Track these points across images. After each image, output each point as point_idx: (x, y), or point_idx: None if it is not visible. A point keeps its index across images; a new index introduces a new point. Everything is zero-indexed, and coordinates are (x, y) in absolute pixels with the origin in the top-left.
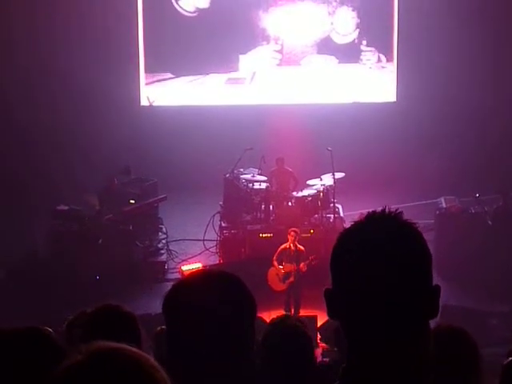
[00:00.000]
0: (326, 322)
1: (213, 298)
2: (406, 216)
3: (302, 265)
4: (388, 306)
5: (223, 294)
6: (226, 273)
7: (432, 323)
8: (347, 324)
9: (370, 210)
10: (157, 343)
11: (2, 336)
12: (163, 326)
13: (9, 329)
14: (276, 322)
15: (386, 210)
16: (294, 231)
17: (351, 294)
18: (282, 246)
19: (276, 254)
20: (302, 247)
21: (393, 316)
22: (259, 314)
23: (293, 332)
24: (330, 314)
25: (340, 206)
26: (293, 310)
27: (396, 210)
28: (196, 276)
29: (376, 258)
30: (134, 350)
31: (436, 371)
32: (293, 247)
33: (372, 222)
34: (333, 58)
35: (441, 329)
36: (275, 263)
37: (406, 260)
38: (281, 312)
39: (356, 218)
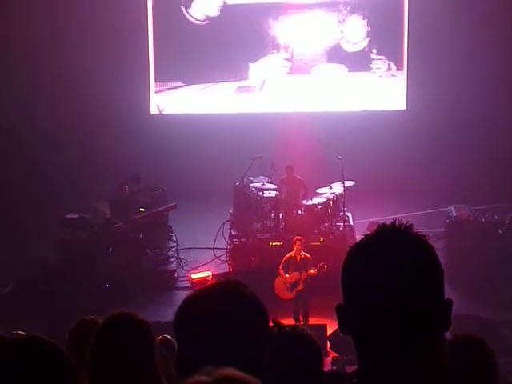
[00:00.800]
0: (336, 330)
1: (223, 312)
2: (416, 224)
3: (312, 270)
4: (400, 321)
5: (234, 307)
6: (237, 285)
7: (448, 333)
8: (359, 339)
9: (380, 223)
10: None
11: (4, 345)
12: (165, 335)
13: (11, 338)
14: (285, 331)
15: (396, 223)
16: (299, 240)
17: (362, 308)
18: (288, 255)
19: (282, 263)
20: (308, 255)
21: (405, 330)
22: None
23: (301, 340)
24: (341, 329)
25: (350, 215)
26: (302, 319)
27: (406, 223)
28: (206, 289)
29: (387, 272)
30: (256, 380)
31: (453, 380)
32: (299, 256)
33: (382, 235)
34: (343, 66)
35: (458, 338)
36: (281, 272)
37: (418, 274)
38: (290, 321)
39: (366, 226)
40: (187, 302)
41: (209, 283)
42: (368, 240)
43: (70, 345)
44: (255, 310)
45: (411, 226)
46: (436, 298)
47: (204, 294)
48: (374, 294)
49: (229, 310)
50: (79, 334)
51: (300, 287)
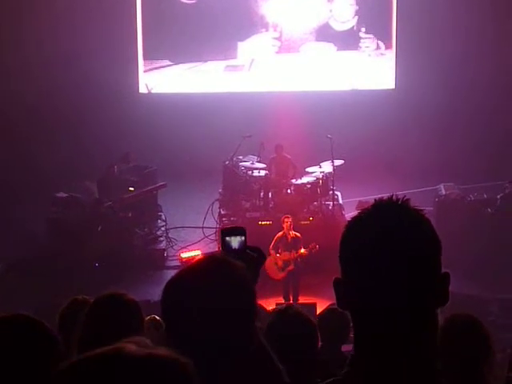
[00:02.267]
0: (325, 309)
1: (210, 291)
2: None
3: (303, 250)
4: (398, 294)
5: (221, 285)
6: (223, 261)
7: (446, 313)
8: (356, 313)
9: (377, 198)
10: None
11: None
12: (153, 316)
13: None
14: (279, 311)
15: (394, 198)
16: (288, 218)
17: (360, 282)
18: (278, 234)
19: (272, 243)
20: (298, 234)
21: (403, 303)
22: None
23: (297, 320)
24: (339, 303)
25: (339, 194)
26: (291, 298)
27: (404, 197)
28: (192, 268)
29: (385, 246)
30: (188, 362)
31: (450, 359)
32: (289, 235)
33: (380, 209)
34: (331, 45)
35: (455, 318)
36: (272, 252)
37: (416, 247)
38: (280, 300)
39: (355, 205)
40: (173, 281)
41: (194, 260)
42: (365, 214)
43: (62, 324)
44: (242, 287)
45: (408, 200)
46: (434, 272)
47: (190, 273)
48: (371, 267)
49: (216, 288)
50: (71, 313)
51: (291, 267)
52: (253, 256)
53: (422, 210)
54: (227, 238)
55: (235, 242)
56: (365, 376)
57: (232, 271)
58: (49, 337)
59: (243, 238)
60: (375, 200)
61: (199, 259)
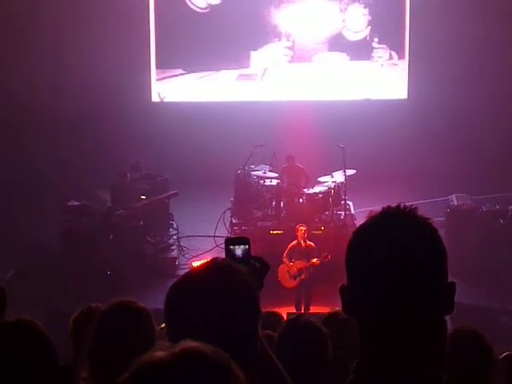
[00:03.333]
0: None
1: (213, 298)
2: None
3: (315, 260)
4: (404, 303)
5: (224, 292)
6: (227, 269)
7: (450, 323)
8: (362, 320)
9: (385, 206)
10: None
11: None
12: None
13: None
14: (291, 319)
15: (401, 206)
16: (303, 227)
17: (366, 290)
18: (292, 243)
19: (286, 251)
20: (311, 243)
21: (408, 312)
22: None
23: (309, 328)
24: (344, 310)
25: (351, 203)
26: (303, 307)
27: (411, 206)
28: (194, 275)
29: (391, 254)
30: (223, 353)
31: (453, 372)
32: (303, 244)
33: (387, 217)
34: (344, 54)
35: (458, 331)
36: (285, 260)
37: (422, 256)
38: (291, 309)
39: (367, 215)
40: (176, 286)
41: (197, 267)
42: (373, 222)
43: (74, 330)
44: (246, 292)
45: (416, 208)
46: (440, 280)
47: (193, 278)
48: (378, 275)
49: (219, 293)
50: (84, 320)
51: (303, 276)
52: (256, 266)
53: (429, 218)
54: (231, 247)
55: (239, 250)
56: (370, 383)
57: (235, 276)
58: (45, 343)
59: (247, 246)
60: (383, 208)
61: (202, 264)
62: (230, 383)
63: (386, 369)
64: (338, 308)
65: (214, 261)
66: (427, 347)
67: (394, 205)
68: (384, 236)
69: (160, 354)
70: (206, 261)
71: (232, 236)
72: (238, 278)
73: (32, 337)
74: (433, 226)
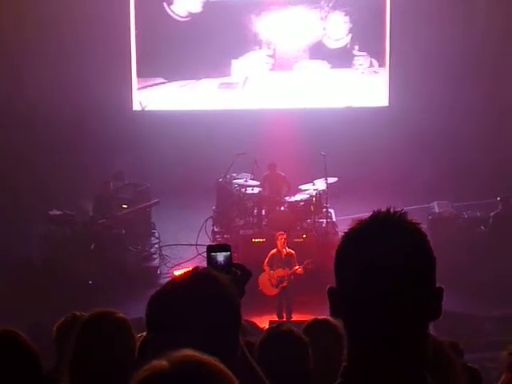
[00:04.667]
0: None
1: (194, 307)
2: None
3: (298, 268)
4: (392, 306)
5: (204, 301)
6: (208, 277)
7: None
8: (350, 323)
9: (375, 210)
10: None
11: None
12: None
13: None
14: (272, 328)
15: (391, 211)
16: (282, 235)
17: (355, 293)
18: (272, 251)
19: (266, 260)
20: (292, 251)
21: (396, 316)
22: (251, 319)
23: (290, 337)
24: (332, 312)
25: (332, 211)
26: (285, 315)
27: (401, 211)
28: (175, 285)
29: (380, 258)
30: (218, 363)
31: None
32: (283, 252)
33: (377, 222)
34: (325, 62)
35: None
36: (266, 268)
37: (411, 261)
38: (273, 317)
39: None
40: (157, 295)
41: (178, 276)
42: (362, 226)
43: (58, 338)
44: (227, 300)
45: (405, 213)
46: (428, 285)
47: (174, 287)
48: (366, 279)
49: (199, 301)
50: (68, 328)
51: (284, 284)
52: (237, 273)
53: (418, 223)
54: (212, 254)
55: (220, 257)
56: None
57: (216, 284)
58: (30, 353)
59: (228, 253)
60: (373, 212)
61: (183, 273)
62: None
63: (374, 371)
64: (320, 316)
65: (195, 270)
66: (414, 349)
67: (383, 209)
68: (374, 240)
69: (161, 363)
70: (187, 270)
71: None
72: (219, 286)
73: (16, 347)
74: (422, 231)
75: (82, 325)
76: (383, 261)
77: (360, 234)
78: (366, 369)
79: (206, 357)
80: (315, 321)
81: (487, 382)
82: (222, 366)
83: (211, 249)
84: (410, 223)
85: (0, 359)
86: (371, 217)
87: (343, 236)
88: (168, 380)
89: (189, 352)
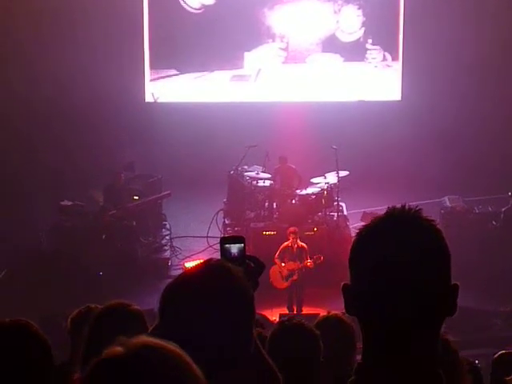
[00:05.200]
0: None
1: (207, 297)
2: None
3: (309, 262)
4: (407, 303)
5: (218, 292)
6: (222, 268)
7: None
8: (365, 320)
9: (390, 206)
10: None
11: None
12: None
13: None
14: (283, 321)
15: (406, 207)
16: (293, 232)
17: (370, 290)
18: (284, 244)
19: (278, 252)
20: (304, 244)
21: (412, 313)
22: (262, 312)
23: (300, 330)
24: (347, 309)
25: (344, 205)
26: (295, 308)
27: (416, 207)
28: (189, 275)
29: (397, 256)
30: (174, 347)
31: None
32: (295, 245)
33: (392, 218)
34: (338, 56)
35: None
36: (277, 261)
37: (427, 258)
38: (283, 310)
39: (360, 216)
40: (171, 286)
41: (191, 268)
42: (377, 222)
43: (72, 329)
44: (240, 292)
45: (421, 210)
46: (444, 282)
47: (188, 279)
48: (381, 275)
49: (213, 293)
50: (82, 320)
51: (295, 277)
52: (251, 265)
53: (433, 220)
54: (226, 246)
55: (234, 248)
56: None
57: (229, 277)
58: (42, 343)
59: (242, 245)
60: (388, 208)
61: (197, 265)
62: (183, 375)
63: (389, 369)
64: (331, 309)
65: (209, 262)
66: (429, 347)
67: (398, 205)
68: (389, 237)
69: (116, 348)
70: (200, 262)
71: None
72: (233, 278)
73: (29, 338)
74: (438, 228)
75: (97, 316)
76: (399, 258)
77: (375, 230)
78: (382, 366)
79: (163, 342)
80: (327, 317)
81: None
82: (181, 352)
83: (225, 240)
84: (425, 220)
85: (13, 349)
86: (386, 213)
87: (358, 233)
88: (121, 365)
89: (146, 338)
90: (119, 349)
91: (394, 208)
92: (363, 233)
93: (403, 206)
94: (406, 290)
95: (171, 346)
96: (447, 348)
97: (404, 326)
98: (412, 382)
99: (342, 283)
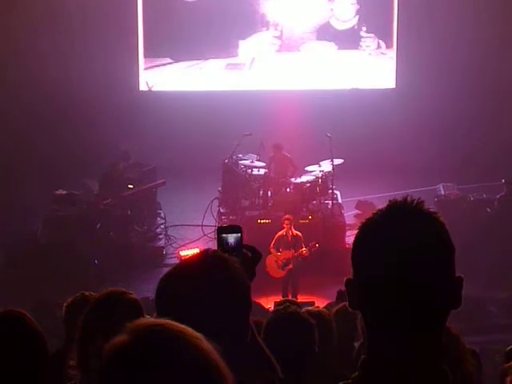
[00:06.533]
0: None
1: (203, 287)
2: None
3: (303, 250)
4: (411, 296)
5: (214, 281)
6: (216, 258)
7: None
8: (369, 314)
9: (391, 198)
10: None
11: None
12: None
13: None
14: (279, 310)
15: (408, 200)
16: (288, 219)
17: (374, 284)
18: (279, 233)
19: (273, 241)
20: (299, 233)
21: (416, 306)
22: (257, 301)
23: (296, 319)
24: (350, 304)
25: (338, 193)
26: (290, 297)
27: (418, 199)
28: (185, 265)
29: (399, 249)
30: (177, 324)
31: None
32: (290, 234)
33: (394, 212)
34: (332, 44)
35: None
36: (273, 250)
37: (430, 250)
38: (279, 298)
39: (354, 204)
40: (168, 275)
41: (188, 257)
42: (380, 216)
43: (67, 317)
44: (236, 281)
45: (422, 202)
46: (447, 275)
47: (184, 267)
48: (385, 270)
49: (210, 281)
50: (77, 308)
51: (290, 266)
52: (248, 254)
53: (435, 212)
54: (223, 235)
55: (231, 238)
56: (376, 379)
57: (226, 267)
58: (35, 332)
59: (239, 235)
60: (390, 201)
61: (194, 255)
62: (184, 351)
63: (394, 362)
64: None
65: (205, 252)
66: (434, 341)
67: (400, 198)
68: (392, 231)
69: (120, 337)
70: (195, 251)
71: (221, 225)
72: (229, 268)
73: (22, 327)
74: (440, 220)
75: (93, 304)
76: (401, 251)
77: (377, 224)
78: (386, 360)
79: (165, 320)
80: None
81: (491, 364)
82: (184, 327)
83: (222, 230)
84: (427, 212)
85: (6, 338)
86: (388, 207)
87: (360, 227)
88: (129, 353)
89: (146, 319)
90: (124, 337)
91: (395, 201)
92: (365, 227)
93: (405, 199)
94: (410, 284)
95: (176, 324)
96: (448, 334)
97: (409, 320)
98: (417, 377)
99: (346, 278)
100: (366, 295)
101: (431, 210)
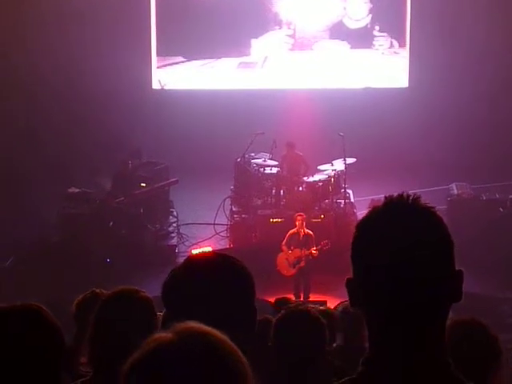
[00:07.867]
0: (336, 307)
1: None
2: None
3: (313, 250)
4: (412, 293)
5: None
6: (221, 257)
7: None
8: (370, 312)
9: (387, 195)
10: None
11: None
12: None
13: (2, 307)
14: (289, 308)
15: (404, 195)
16: (301, 216)
17: (374, 282)
18: (291, 231)
19: (285, 240)
20: (310, 232)
21: (417, 302)
22: (268, 299)
23: (306, 317)
24: (352, 302)
25: (351, 192)
26: (302, 295)
27: (414, 195)
28: (189, 264)
29: (398, 246)
30: (222, 335)
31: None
32: (301, 232)
33: (391, 208)
34: (345, 42)
35: (457, 323)
36: (284, 248)
37: (429, 245)
38: (290, 297)
39: (367, 203)
40: (172, 275)
41: (195, 254)
42: (376, 213)
43: (78, 314)
44: (243, 274)
45: (419, 197)
46: (447, 269)
47: (192, 263)
48: (385, 267)
49: (217, 275)
50: (87, 305)
51: (302, 264)
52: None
53: (433, 207)
54: None
55: None
56: (380, 375)
57: (233, 263)
58: (53, 327)
59: None
60: (385, 198)
61: (198, 253)
62: (229, 358)
63: (396, 358)
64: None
65: (213, 251)
66: (436, 336)
67: (396, 194)
68: (389, 227)
69: (166, 335)
70: (204, 249)
71: (232, 224)
72: (236, 264)
73: (40, 321)
74: (438, 215)
75: (106, 302)
76: (398, 247)
77: (374, 222)
78: (387, 357)
79: (210, 328)
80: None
81: (505, 364)
82: (226, 337)
83: None
84: (424, 207)
85: (25, 332)
86: (384, 203)
87: (357, 225)
88: (175, 351)
89: (193, 323)
90: (170, 335)
91: (391, 197)
92: (362, 225)
93: (401, 195)
94: (410, 281)
95: (219, 334)
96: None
97: (410, 315)
98: (421, 371)
99: (346, 278)
100: (366, 293)
101: (428, 204)
